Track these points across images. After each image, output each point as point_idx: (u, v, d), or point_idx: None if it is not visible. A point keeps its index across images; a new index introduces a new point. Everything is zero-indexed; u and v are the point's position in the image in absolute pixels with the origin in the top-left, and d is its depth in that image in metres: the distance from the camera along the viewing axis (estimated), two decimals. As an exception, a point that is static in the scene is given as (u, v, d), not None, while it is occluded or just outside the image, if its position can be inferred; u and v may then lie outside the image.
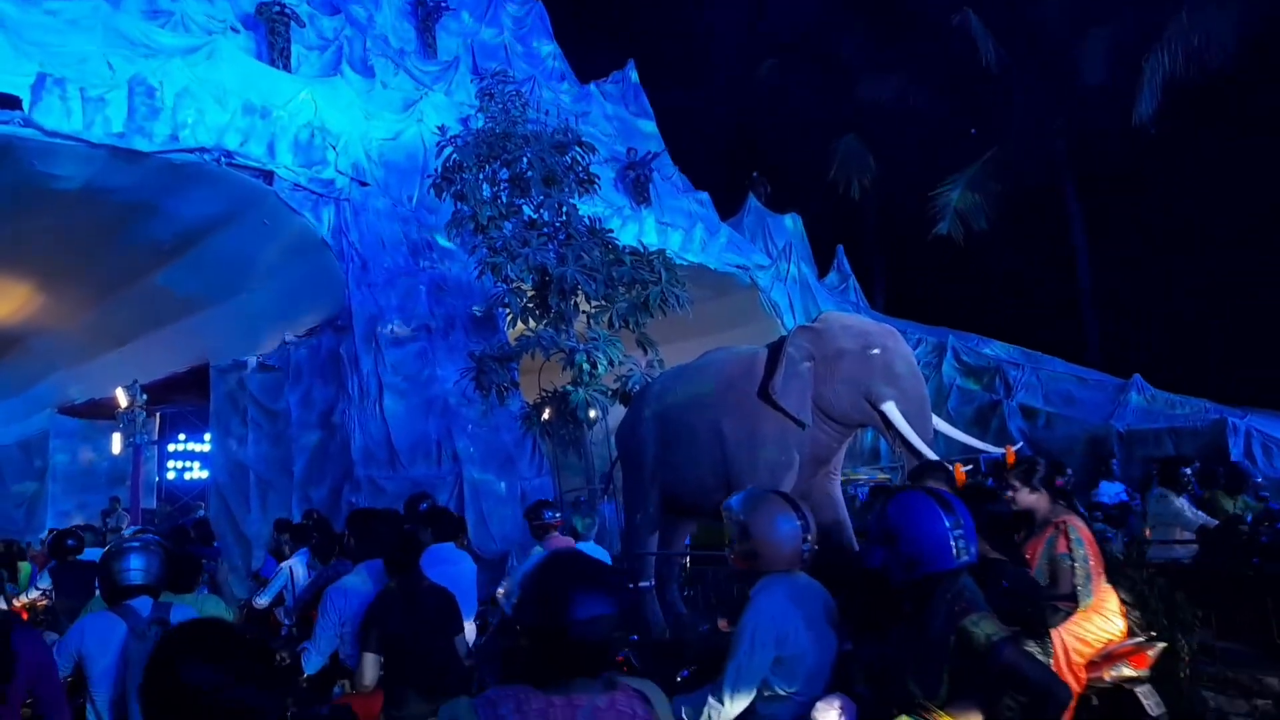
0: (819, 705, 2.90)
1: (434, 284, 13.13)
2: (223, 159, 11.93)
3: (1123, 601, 4.20)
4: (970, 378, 17.27)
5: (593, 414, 11.69)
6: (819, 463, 6.99)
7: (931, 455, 6.19)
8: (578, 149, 12.23)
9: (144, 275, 14.42)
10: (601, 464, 12.40)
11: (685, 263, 16.17)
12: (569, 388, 11.28)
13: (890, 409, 6.45)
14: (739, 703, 3.06)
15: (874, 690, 2.90)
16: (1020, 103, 21.16)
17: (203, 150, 11.74)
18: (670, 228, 17.34)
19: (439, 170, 11.65)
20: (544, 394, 11.79)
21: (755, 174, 22.19)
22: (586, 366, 11.11)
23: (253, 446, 13.67)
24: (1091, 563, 4.04)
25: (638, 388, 11.02)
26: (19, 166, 10.94)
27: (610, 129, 19.14)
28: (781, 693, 3.06)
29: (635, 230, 16.14)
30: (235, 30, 14.27)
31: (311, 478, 12.85)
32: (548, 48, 19.81)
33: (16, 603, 8.14)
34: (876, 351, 6.58)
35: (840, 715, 2.85)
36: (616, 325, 11.79)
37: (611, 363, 11.47)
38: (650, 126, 20.46)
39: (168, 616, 3.67)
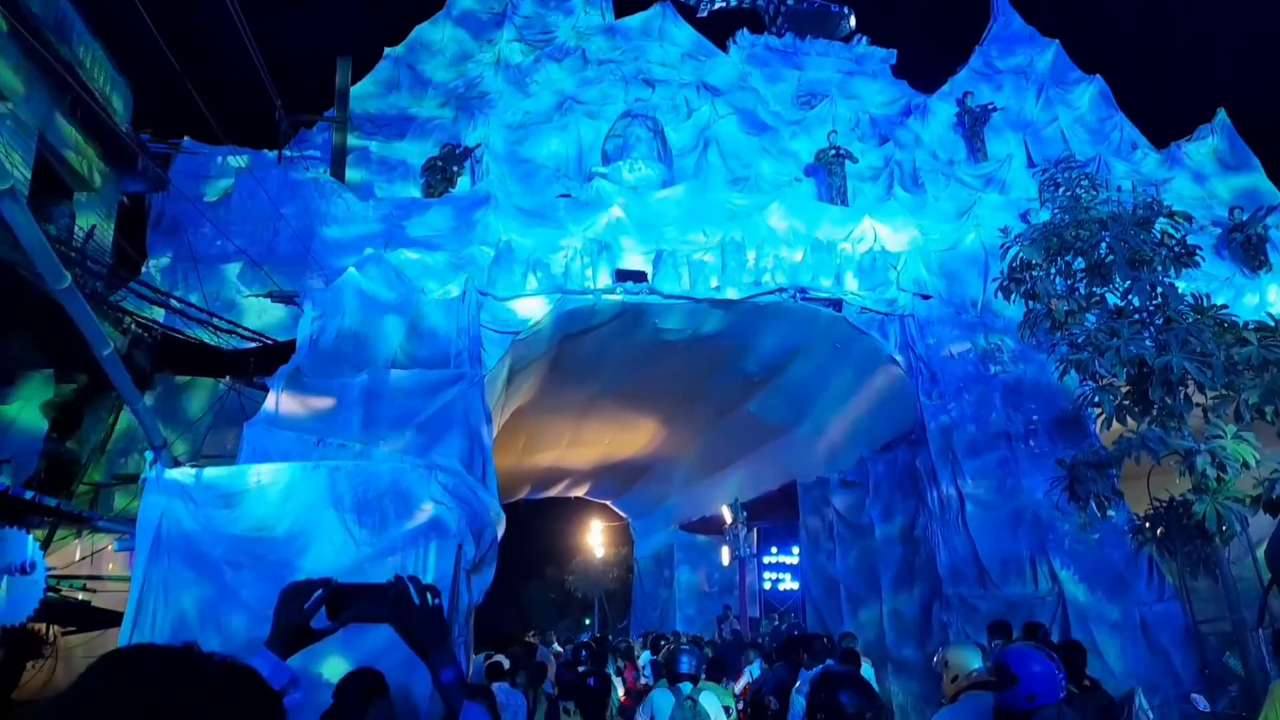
0: None
1: (1009, 389, 12.47)
2: (798, 295, 13.14)
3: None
4: None
5: (1225, 528, 9.65)
6: None
7: None
8: (1166, 221, 10.73)
9: (738, 405, 16.37)
10: (1245, 586, 10.12)
11: (1337, 331, 12.83)
12: (1190, 496, 9.53)
13: None
14: None
15: None
16: None
17: (780, 290, 13.11)
18: (1306, 292, 14.07)
19: (1005, 271, 11.18)
20: (1157, 504, 10.15)
21: None
22: (1211, 470, 9.29)
23: (840, 560, 14.20)
24: None
25: (1291, 493, 8.87)
26: (646, 326, 13.43)
27: (1203, 191, 16.55)
28: None
29: (1255, 301, 13.43)
30: (798, 180, 15.92)
31: (899, 593, 12.82)
32: (1111, 119, 18.15)
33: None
34: None
35: None
36: (1247, 418, 9.73)
37: (1246, 464, 9.43)
38: (1258, 178, 17.20)
39: (697, 697, 6.42)
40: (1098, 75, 18.87)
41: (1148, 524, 10.22)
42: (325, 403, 8.69)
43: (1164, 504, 9.99)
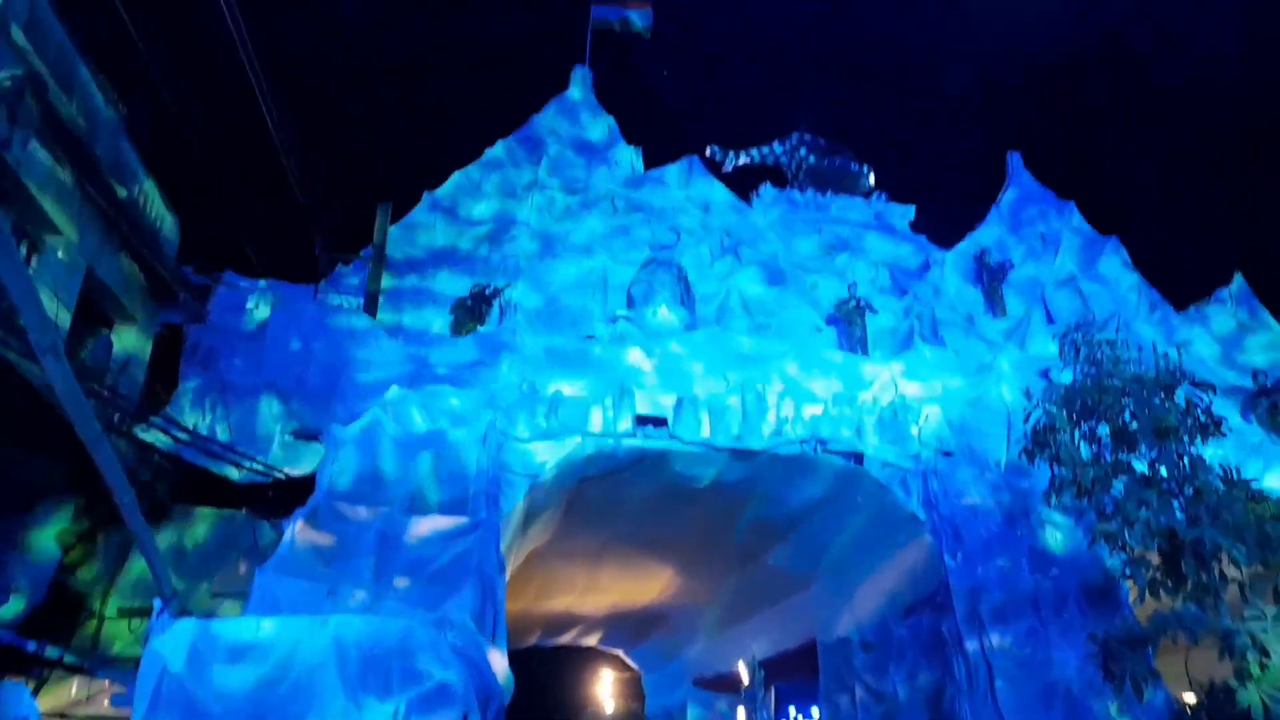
0: None
1: (1036, 554, 12.13)
2: (818, 446, 13.07)
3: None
4: None
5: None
6: None
7: None
8: (1190, 388, 10.66)
9: (757, 557, 16.01)
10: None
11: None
12: (1233, 683, 9.04)
13: None
14: None
15: None
16: None
17: (801, 441, 13.05)
18: (1340, 462, 13.80)
19: (1028, 434, 11.06)
20: (1198, 689, 9.63)
21: None
22: (1254, 654, 8.86)
23: (863, 729, 13.50)
24: None
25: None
26: (665, 472, 13.34)
27: (1224, 353, 16.58)
28: None
29: (1287, 471, 13.18)
30: (819, 330, 16.13)
31: (924, 769, 12.12)
32: (1129, 280, 18.41)
33: None
34: None
35: None
36: (1288, 599, 9.35)
37: (1291, 650, 8.98)
38: (1279, 340, 17.22)
39: None
40: (1114, 236, 19.29)
41: (1188, 711, 9.68)
42: (338, 548, 8.60)
43: (1205, 688, 9.48)
